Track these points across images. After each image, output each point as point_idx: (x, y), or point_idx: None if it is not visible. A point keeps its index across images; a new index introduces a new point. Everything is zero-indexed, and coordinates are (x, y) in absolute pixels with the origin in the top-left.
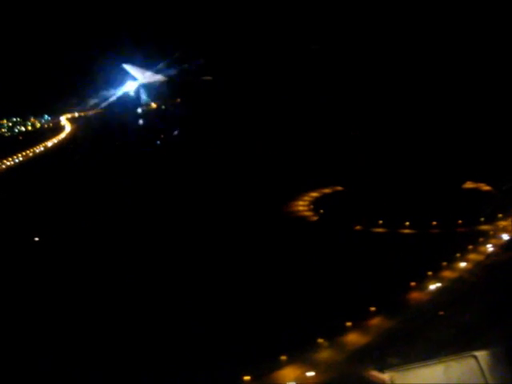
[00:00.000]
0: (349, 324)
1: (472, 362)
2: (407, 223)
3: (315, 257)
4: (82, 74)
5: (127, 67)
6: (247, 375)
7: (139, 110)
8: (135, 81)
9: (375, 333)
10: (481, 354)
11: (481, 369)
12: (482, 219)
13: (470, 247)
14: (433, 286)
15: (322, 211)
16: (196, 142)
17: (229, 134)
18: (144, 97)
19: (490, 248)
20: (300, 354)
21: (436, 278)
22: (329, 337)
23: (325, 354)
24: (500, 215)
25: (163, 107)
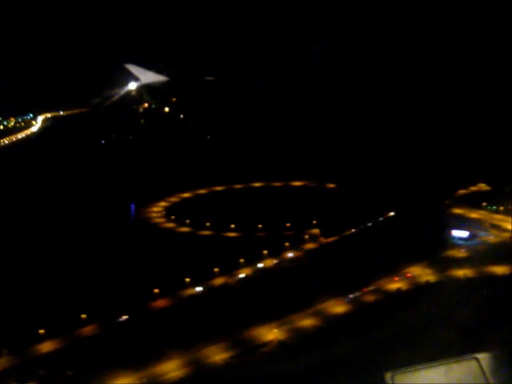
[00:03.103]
0: None
1: (474, 364)
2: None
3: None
4: (85, 74)
5: (130, 67)
6: None
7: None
8: (137, 81)
9: None
10: (483, 357)
11: (482, 371)
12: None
13: (265, 252)
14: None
15: (173, 217)
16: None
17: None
18: (146, 96)
19: (289, 254)
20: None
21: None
22: None
23: None
24: None
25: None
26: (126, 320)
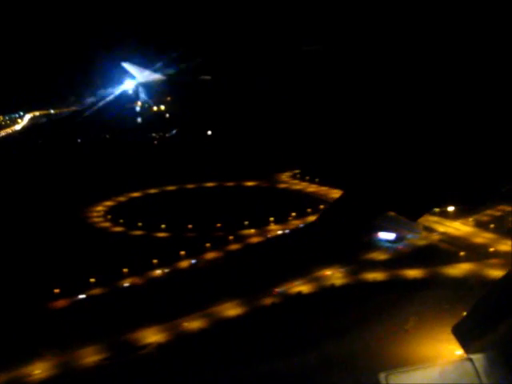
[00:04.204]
0: None
1: (468, 365)
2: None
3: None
4: (81, 72)
5: (126, 66)
6: None
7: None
8: (134, 79)
9: None
10: (476, 358)
11: (476, 372)
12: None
13: (183, 253)
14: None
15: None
16: None
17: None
18: (142, 95)
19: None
20: None
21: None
22: None
23: None
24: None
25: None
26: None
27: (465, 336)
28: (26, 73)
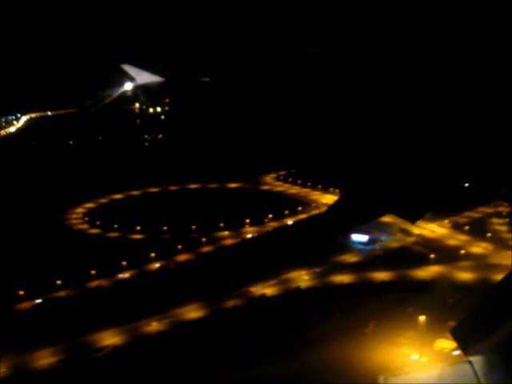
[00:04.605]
0: None
1: (467, 367)
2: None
3: None
4: (80, 74)
5: (125, 67)
6: None
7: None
8: (133, 81)
9: None
10: (476, 360)
11: (476, 374)
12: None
13: (153, 255)
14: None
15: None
16: None
17: None
18: (141, 97)
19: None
20: None
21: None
22: None
23: None
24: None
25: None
26: None
27: (464, 338)
28: (25, 74)
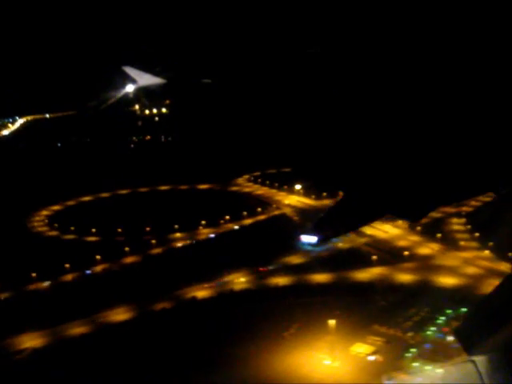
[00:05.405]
0: None
1: (470, 367)
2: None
3: None
4: (81, 76)
5: (127, 69)
6: None
7: None
8: (134, 83)
9: None
10: (479, 359)
11: (479, 374)
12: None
13: (98, 257)
14: None
15: (56, 225)
16: None
17: None
18: (142, 99)
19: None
20: None
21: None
22: None
23: None
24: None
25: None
26: None
27: (467, 338)
28: (26, 76)
